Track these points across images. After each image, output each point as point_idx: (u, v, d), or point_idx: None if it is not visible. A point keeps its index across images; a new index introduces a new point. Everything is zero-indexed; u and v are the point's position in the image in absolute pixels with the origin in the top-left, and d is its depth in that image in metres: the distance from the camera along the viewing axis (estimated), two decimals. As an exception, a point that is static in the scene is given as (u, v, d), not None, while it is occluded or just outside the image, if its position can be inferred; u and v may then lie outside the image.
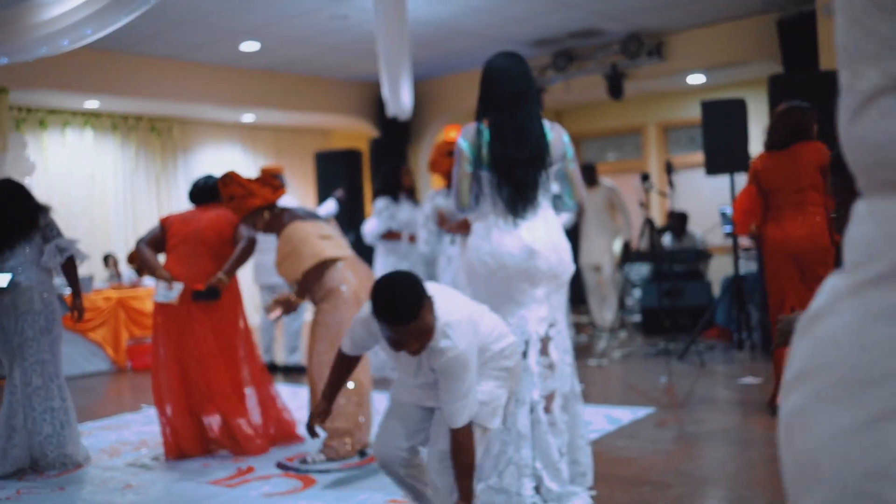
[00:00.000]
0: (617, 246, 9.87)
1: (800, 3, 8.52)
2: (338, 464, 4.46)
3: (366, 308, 3.04)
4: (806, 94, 7.23)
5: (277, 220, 4.68)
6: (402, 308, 2.76)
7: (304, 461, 4.50)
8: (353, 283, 4.53)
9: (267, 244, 7.83)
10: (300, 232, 4.54)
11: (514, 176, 3.65)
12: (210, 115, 11.65)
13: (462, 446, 2.94)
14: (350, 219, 8.93)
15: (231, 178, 4.69)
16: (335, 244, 4.61)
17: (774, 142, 5.32)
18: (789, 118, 5.26)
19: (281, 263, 4.59)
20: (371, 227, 7.37)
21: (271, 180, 4.76)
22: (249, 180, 4.67)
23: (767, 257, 5.34)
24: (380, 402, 6.13)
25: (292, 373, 7.74)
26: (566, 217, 8.00)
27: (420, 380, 3.06)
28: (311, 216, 4.76)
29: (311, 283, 4.48)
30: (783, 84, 7.43)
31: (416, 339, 2.85)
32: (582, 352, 8.09)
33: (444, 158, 6.11)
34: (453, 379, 2.90)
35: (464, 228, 5.03)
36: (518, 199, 3.64)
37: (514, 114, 3.68)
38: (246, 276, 11.32)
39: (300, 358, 8.04)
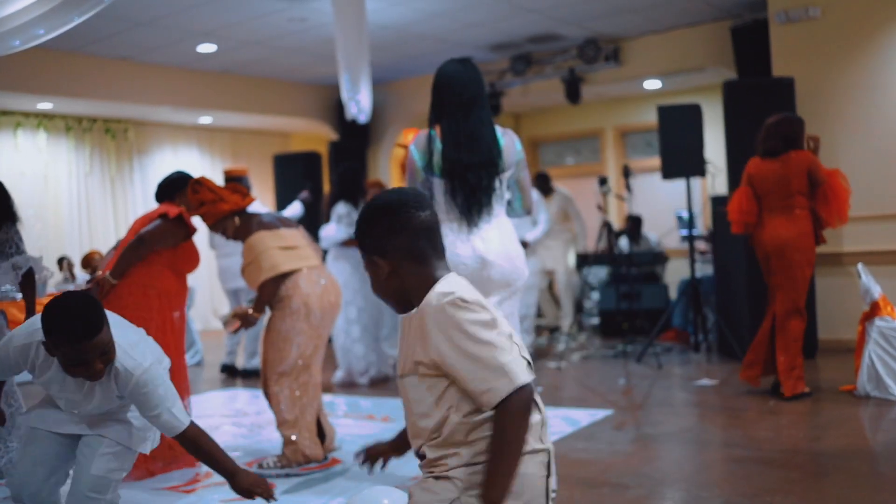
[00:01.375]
0: (571, 256, 9.94)
1: (753, 10, 8.64)
2: (296, 468, 4.43)
3: (23, 336, 2.83)
4: (759, 100, 7.37)
5: (245, 227, 4.64)
6: (88, 321, 2.59)
7: (260, 465, 4.46)
8: (305, 292, 4.49)
9: (230, 248, 7.76)
10: (261, 244, 4.51)
11: (468, 181, 3.65)
12: (166, 117, 11.54)
13: (198, 439, 2.86)
14: (310, 222, 8.87)
15: (201, 183, 4.63)
16: (297, 255, 4.57)
17: (767, 149, 5.69)
18: (781, 127, 5.65)
19: (244, 270, 4.57)
20: (330, 233, 7.12)
21: (240, 187, 4.72)
22: (220, 187, 4.63)
23: (760, 259, 5.75)
24: (351, 405, 6.12)
25: (251, 377, 7.68)
26: (541, 228, 8.06)
27: (88, 407, 2.88)
28: (280, 223, 4.72)
29: (268, 295, 4.46)
30: (737, 90, 7.54)
31: (99, 358, 2.65)
32: (541, 354, 8.13)
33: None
34: (150, 394, 2.76)
35: None
36: (472, 205, 3.65)
37: (466, 119, 3.69)
38: (213, 280, 11.28)
39: (258, 362, 7.99)
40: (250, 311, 4.46)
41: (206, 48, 9.40)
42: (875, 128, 7.42)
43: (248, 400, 6.67)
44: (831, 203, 5.56)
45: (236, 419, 5.91)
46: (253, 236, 4.56)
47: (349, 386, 7.05)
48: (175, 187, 4.81)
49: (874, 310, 5.62)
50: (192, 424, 2.83)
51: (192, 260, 4.81)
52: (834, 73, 7.67)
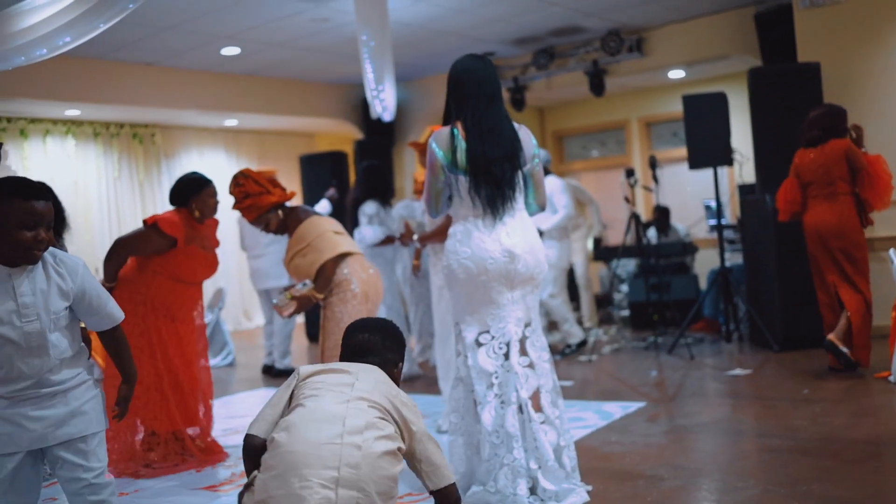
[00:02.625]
0: (589, 244, 9.91)
1: (778, -4, 8.58)
2: None
3: None
4: (785, 87, 7.31)
5: (293, 218, 4.67)
6: (41, 187, 2.62)
7: None
8: (361, 277, 4.55)
9: (261, 249, 7.82)
10: (318, 227, 4.57)
11: (493, 174, 3.66)
12: (193, 121, 11.62)
13: (124, 339, 2.87)
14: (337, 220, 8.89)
15: (247, 176, 4.64)
16: (349, 241, 4.64)
17: (808, 140, 6.08)
18: (821, 119, 6.03)
19: (292, 260, 4.57)
20: (368, 234, 6.97)
21: (279, 183, 4.76)
22: (266, 179, 4.64)
23: (807, 242, 6.12)
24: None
25: (284, 377, 7.72)
26: (563, 213, 7.99)
27: (45, 320, 2.64)
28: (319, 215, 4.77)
29: (328, 277, 4.47)
30: (762, 77, 7.48)
31: (45, 229, 2.58)
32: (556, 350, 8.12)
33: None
34: (95, 282, 2.76)
35: (440, 236, 5.03)
36: (497, 197, 3.66)
37: (488, 113, 3.70)
38: (244, 282, 11.35)
39: (290, 361, 8.03)
40: (313, 293, 4.45)
41: (230, 51, 9.45)
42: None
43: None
44: (874, 187, 5.81)
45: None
46: (306, 222, 4.61)
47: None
48: (189, 191, 4.74)
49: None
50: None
51: (196, 268, 4.75)
52: (860, 58, 7.59)
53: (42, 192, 2.58)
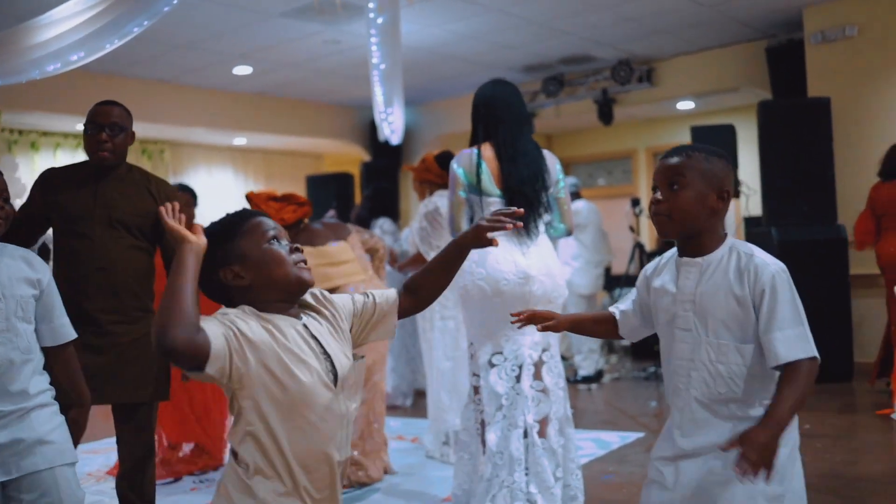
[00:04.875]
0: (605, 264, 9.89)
1: (788, 30, 8.60)
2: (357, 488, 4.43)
3: None
4: (794, 121, 7.33)
5: (305, 235, 4.66)
6: None
7: None
8: None
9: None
10: (324, 257, 4.54)
11: (525, 195, 3.68)
12: (202, 138, 11.67)
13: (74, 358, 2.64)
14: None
15: (250, 199, 4.65)
16: (340, 272, 4.57)
17: (884, 172, 6.32)
18: None
19: None
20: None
21: (297, 197, 4.70)
22: (270, 200, 4.64)
23: (884, 273, 6.34)
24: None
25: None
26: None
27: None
28: (332, 234, 4.71)
29: None
30: (772, 111, 7.50)
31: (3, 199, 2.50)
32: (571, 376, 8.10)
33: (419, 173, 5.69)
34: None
35: (416, 264, 5.05)
36: (530, 219, 3.67)
37: (520, 136, 3.74)
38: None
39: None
40: None
41: (242, 70, 9.51)
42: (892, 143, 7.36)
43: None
44: None
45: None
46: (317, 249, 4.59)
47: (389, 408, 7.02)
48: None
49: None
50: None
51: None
52: (871, 93, 7.62)
53: None
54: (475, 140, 3.83)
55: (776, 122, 7.40)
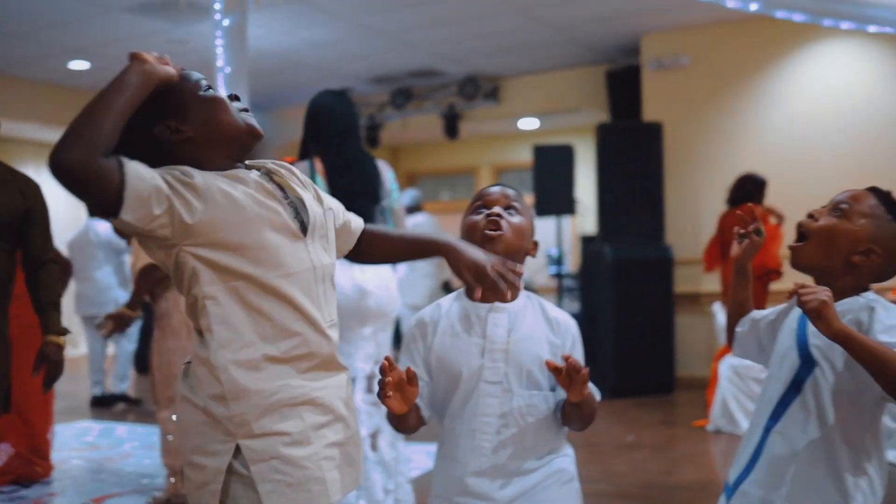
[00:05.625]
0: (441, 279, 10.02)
1: (627, 56, 8.96)
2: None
3: None
4: (629, 143, 7.65)
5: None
6: None
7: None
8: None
9: (89, 273, 7.51)
10: None
11: (353, 209, 3.66)
12: (33, 135, 11.13)
13: None
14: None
15: None
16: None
17: (732, 200, 6.33)
18: (744, 183, 6.31)
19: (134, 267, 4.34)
20: None
21: None
22: None
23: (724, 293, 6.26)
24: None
25: (120, 402, 7.48)
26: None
27: None
28: None
29: (142, 288, 4.26)
30: (609, 132, 7.80)
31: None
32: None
33: None
34: None
35: None
36: None
37: (346, 148, 3.72)
38: (67, 305, 10.87)
39: (127, 387, 7.76)
40: (126, 311, 4.25)
41: (79, 65, 9.16)
42: (738, 173, 7.78)
43: (100, 433, 6.41)
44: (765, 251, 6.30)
45: (85, 453, 5.65)
46: None
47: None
48: None
49: (729, 347, 5.88)
50: None
51: None
52: (700, 120, 8.03)
53: None
54: (304, 151, 3.81)
55: (612, 143, 7.71)
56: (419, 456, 5.21)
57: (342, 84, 10.04)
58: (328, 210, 1.86)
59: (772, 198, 6.42)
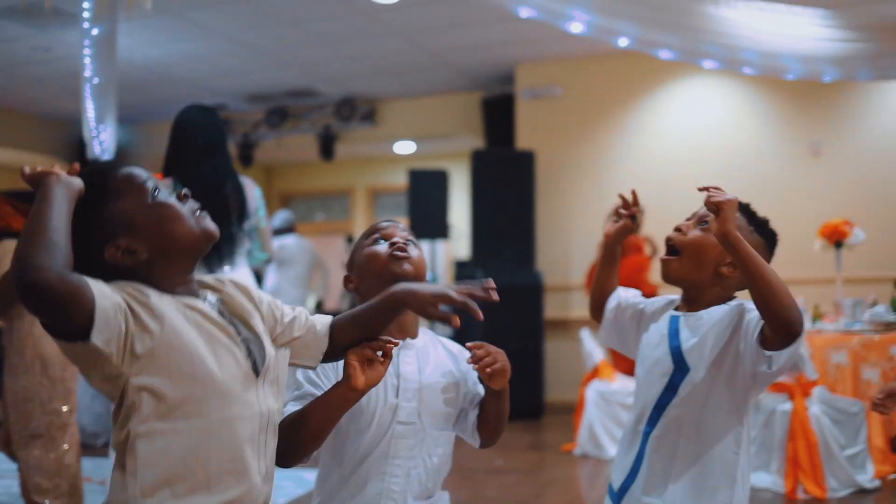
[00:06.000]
0: (310, 303, 9.94)
1: (503, 84, 9.10)
2: None
3: None
4: (503, 170, 7.76)
5: None
6: None
7: None
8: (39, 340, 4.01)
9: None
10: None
11: (217, 225, 3.57)
12: None
13: None
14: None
15: None
16: None
17: None
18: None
19: None
20: None
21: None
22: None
23: None
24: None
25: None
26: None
27: None
28: None
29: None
30: (483, 159, 7.90)
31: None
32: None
33: None
34: None
35: None
36: (212, 255, 3.51)
37: (203, 165, 3.62)
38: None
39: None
40: None
41: (-66, 69, 8.72)
42: (607, 202, 7.93)
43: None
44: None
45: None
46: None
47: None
48: None
49: (595, 373, 6.01)
50: None
51: None
52: (571, 149, 8.21)
53: None
54: (168, 166, 3.70)
55: (486, 170, 7.80)
56: (287, 483, 5.12)
57: (216, 101, 9.86)
58: (288, 323, 1.70)
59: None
